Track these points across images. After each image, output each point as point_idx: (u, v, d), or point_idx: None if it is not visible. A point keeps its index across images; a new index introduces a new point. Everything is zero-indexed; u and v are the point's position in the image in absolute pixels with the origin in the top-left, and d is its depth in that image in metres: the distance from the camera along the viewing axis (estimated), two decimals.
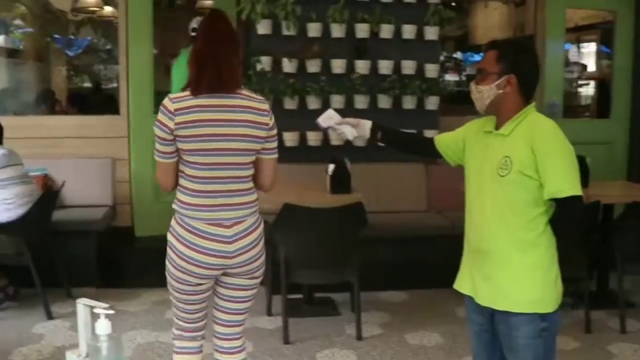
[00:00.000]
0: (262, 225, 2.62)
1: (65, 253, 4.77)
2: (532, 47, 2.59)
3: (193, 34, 6.37)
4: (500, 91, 2.41)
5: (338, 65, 5.30)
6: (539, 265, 2.38)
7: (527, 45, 2.57)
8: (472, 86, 2.50)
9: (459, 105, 8.49)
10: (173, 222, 2.54)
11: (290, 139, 5.30)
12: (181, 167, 2.51)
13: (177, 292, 2.58)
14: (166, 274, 2.59)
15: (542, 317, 2.37)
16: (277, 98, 5.24)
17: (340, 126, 2.84)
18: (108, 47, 9.03)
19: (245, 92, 2.51)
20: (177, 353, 2.72)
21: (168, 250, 2.54)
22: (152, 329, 4.27)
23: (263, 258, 2.63)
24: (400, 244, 4.98)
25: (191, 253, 2.47)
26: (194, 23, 5.76)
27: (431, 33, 5.42)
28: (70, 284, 4.77)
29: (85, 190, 5.41)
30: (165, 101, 2.45)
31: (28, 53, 8.25)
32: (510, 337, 2.41)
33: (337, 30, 5.26)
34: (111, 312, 1.66)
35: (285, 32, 5.20)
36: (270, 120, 2.53)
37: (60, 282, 4.72)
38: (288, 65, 5.23)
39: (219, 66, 2.43)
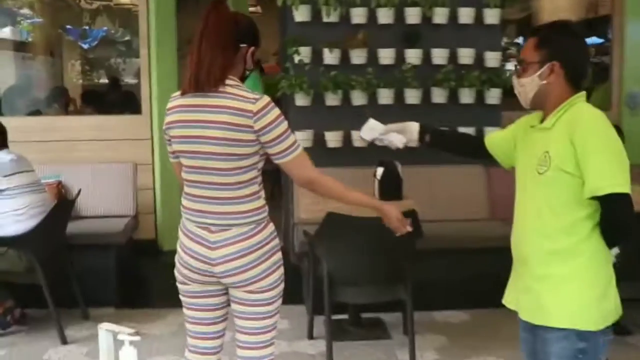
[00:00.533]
0: (260, 234, 2.62)
1: (81, 269, 4.83)
2: (577, 29, 2.55)
3: None
4: (544, 82, 2.41)
5: (386, 55, 5.29)
6: (578, 276, 2.35)
7: (571, 27, 2.52)
8: (514, 80, 2.51)
9: None
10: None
11: (333, 139, 5.30)
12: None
13: (180, 294, 2.78)
14: None
15: (580, 335, 2.33)
16: (317, 93, 5.25)
17: (386, 136, 2.86)
18: (127, 38, 9.15)
19: (232, 89, 2.54)
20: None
21: None
22: (180, 355, 4.29)
23: (260, 270, 2.61)
24: (459, 257, 4.93)
25: (183, 255, 2.67)
26: None
27: (491, 16, 5.38)
28: (87, 304, 4.84)
29: (103, 199, 5.51)
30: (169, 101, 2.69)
31: (38, 46, 8.40)
32: (545, 354, 2.40)
33: (385, 16, 5.26)
34: (137, 338, 1.66)
35: (326, 19, 5.21)
36: (255, 122, 2.50)
37: (75, 302, 4.78)
38: (330, 56, 5.23)
39: (200, 62, 2.53)
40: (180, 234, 2.71)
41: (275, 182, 7.49)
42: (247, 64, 2.67)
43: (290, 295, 4.98)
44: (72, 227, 4.84)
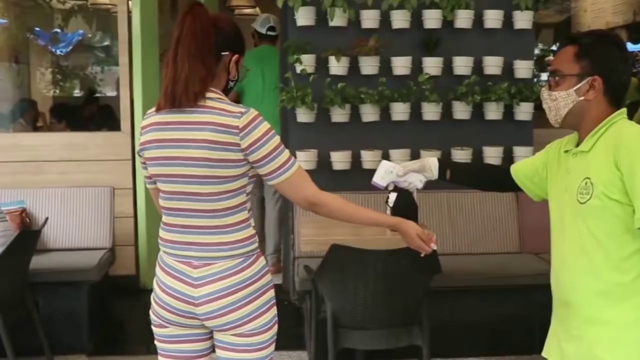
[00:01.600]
0: (248, 270, 2.62)
1: (47, 311, 4.86)
2: (620, 39, 2.58)
3: (271, 32, 6.66)
4: (582, 98, 2.43)
5: (401, 65, 5.32)
6: (635, 320, 2.35)
7: (613, 38, 2.55)
8: (544, 93, 2.52)
9: None
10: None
11: (340, 160, 5.32)
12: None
13: (156, 339, 2.76)
14: None
15: None
16: (322, 107, 5.28)
17: (404, 177, 2.92)
18: (106, 43, 9.21)
19: (214, 103, 2.56)
20: None
21: None
22: None
23: (248, 310, 2.61)
24: (483, 297, 4.95)
25: (160, 294, 2.65)
26: (270, 22, 5.99)
27: (523, 20, 5.42)
28: (54, 351, 4.84)
29: (74, 228, 5.54)
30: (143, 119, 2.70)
31: (1, 51, 8.45)
32: None
33: (400, 19, 5.29)
34: None
35: (332, 23, 5.24)
36: (241, 140, 2.51)
37: (40, 349, 4.77)
38: (336, 66, 5.26)
39: (176, 74, 2.53)
40: (157, 269, 2.69)
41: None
42: (232, 74, 2.68)
43: (290, 340, 5.09)
44: (37, 261, 4.85)
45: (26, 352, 4.62)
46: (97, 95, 8.78)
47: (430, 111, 5.36)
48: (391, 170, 2.97)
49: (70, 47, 8.99)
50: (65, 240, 5.49)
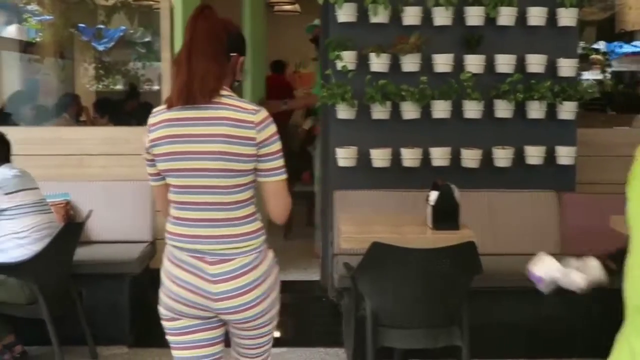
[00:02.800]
0: (264, 264, 2.76)
1: (90, 302, 4.89)
2: None
3: None
4: None
5: (442, 62, 5.30)
6: None
7: None
8: None
9: (601, 112, 8.31)
10: (163, 255, 2.81)
11: (380, 157, 5.30)
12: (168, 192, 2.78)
13: (167, 332, 2.84)
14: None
15: None
16: (362, 104, 5.26)
17: (566, 275, 2.80)
18: (147, 39, 9.27)
19: (228, 100, 2.67)
20: None
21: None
22: None
23: (265, 307, 2.77)
24: (523, 298, 4.85)
25: (174, 288, 2.71)
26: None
27: (567, 17, 5.36)
28: (96, 341, 4.88)
29: (117, 221, 5.55)
30: (150, 116, 2.77)
31: (47, 47, 8.54)
32: None
33: (442, 16, 5.27)
34: None
35: (373, 20, 5.24)
36: (257, 134, 2.64)
37: (83, 339, 4.82)
38: (377, 62, 5.25)
39: (190, 74, 2.63)
40: (166, 263, 2.76)
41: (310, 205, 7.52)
42: (237, 75, 2.82)
43: (328, 337, 5.08)
44: (80, 253, 4.87)
45: (69, 342, 4.67)
46: (139, 90, 8.82)
47: (472, 109, 5.33)
48: (549, 264, 2.85)
49: (112, 43, 9.05)
50: (107, 233, 5.50)
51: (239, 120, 2.62)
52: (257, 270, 2.71)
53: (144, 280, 5.43)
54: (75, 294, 4.77)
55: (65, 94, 8.13)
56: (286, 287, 5.86)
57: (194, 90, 2.61)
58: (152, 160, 2.74)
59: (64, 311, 4.63)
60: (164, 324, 2.81)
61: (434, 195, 4.38)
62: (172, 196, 2.73)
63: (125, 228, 5.55)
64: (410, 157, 5.33)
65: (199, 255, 2.67)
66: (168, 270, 2.74)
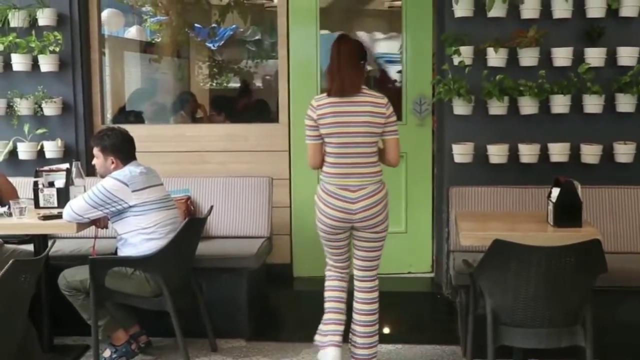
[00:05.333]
0: (383, 191, 4.31)
1: (210, 296, 4.95)
2: None
3: None
4: None
5: (562, 55, 5.22)
6: None
7: None
8: None
9: None
10: (318, 188, 4.37)
11: (497, 153, 5.24)
12: (325, 148, 4.32)
13: (322, 238, 4.42)
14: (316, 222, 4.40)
15: None
16: (479, 100, 5.22)
17: None
18: (257, 37, 9.35)
19: (366, 91, 4.29)
20: (326, 288, 4.52)
21: (315, 207, 4.37)
22: None
23: (383, 216, 4.31)
24: None
25: (327, 209, 4.29)
26: None
27: None
28: (216, 334, 4.94)
29: (235, 217, 5.62)
30: (312, 100, 4.37)
31: (165, 47, 8.73)
32: None
33: (561, 9, 5.19)
34: None
35: (490, 14, 5.18)
36: (387, 110, 4.26)
37: (203, 332, 4.89)
38: (494, 57, 5.21)
39: (342, 78, 4.25)
40: (322, 194, 4.30)
41: None
42: (364, 75, 4.41)
43: (444, 334, 5.02)
44: (200, 247, 4.92)
45: (190, 335, 4.72)
46: (252, 88, 8.89)
47: (592, 104, 5.23)
48: None
49: (223, 42, 9.15)
50: (226, 228, 5.57)
51: (376, 104, 4.25)
52: (380, 194, 4.28)
53: (261, 275, 5.47)
54: (197, 288, 4.84)
55: (182, 92, 8.28)
56: (399, 282, 5.87)
57: (346, 88, 4.24)
58: (317, 126, 4.26)
59: (186, 304, 4.69)
60: (321, 234, 4.38)
61: (555, 192, 4.27)
62: (330, 149, 4.27)
63: (243, 223, 5.61)
64: (528, 153, 5.25)
65: (345, 187, 4.23)
66: (324, 198, 4.28)
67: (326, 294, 4.50)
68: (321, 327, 4.49)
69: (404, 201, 6.26)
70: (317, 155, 4.32)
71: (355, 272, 4.43)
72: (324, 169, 4.30)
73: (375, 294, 4.43)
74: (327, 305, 4.48)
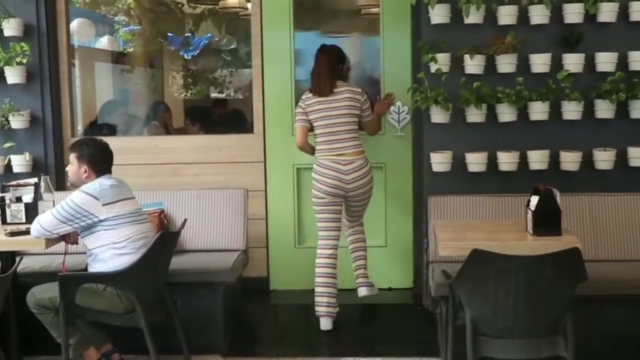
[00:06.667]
0: (368, 165, 5.39)
1: (184, 311, 4.89)
2: None
3: None
4: None
5: (540, 62, 5.24)
6: None
7: None
8: None
9: None
10: (314, 165, 5.38)
11: (476, 161, 5.26)
12: (315, 131, 5.38)
13: (319, 206, 5.39)
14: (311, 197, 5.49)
15: None
16: (457, 107, 5.23)
17: None
18: (232, 46, 9.34)
19: (345, 86, 5.38)
20: (318, 265, 5.44)
21: (313, 182, 5.38)
22: None
23: (370, 185, 5.44)
24: (632, 306, 4.74)
25: (324, 178, 5.30)
26: None
27: None
28: (191, 350, 4.89)
29: (210, 230, 5.61)
30: (302, 97, 5.46)
31: (137, 57, 8.69)
32: None
33: (539, 15, 5.21)
34: None
35: (467, 20, 5.18)
36: (362, 97, 5.41)
37: (178, 348, 4.82)
38: (472, 64, 5.22)
39: (319, 82, 5.37)
40: (318, 168, 5.32)
41: None
42: (345, 75, 5.53)
43: (424, 346, 5.02)
44: (174, 261, 4.86)
45: (165, 351, 4.67)
46: (226, 97, 8.88)
47: (571, 110, 5.25)
48: None
49: (198, 51, 9.13)
50: (200, 242, 5.56)
51: (353, 92, 5.38)
52: (367, 167, 5.37)
53: (237, 289, 5.45)
54: (171, 303, 4.80)
55: (155, 102, 8.25)
56: (379, 295, 5.85)
57: (323, 91, 5.35)
58: (305, 113, 5.36)
59: (160, 320, 4.66)
60: (315, 200, 5.39)
61: (534, 200, 4.29)
62: (319, 131, 5.35)
63: (218, 237, 5.60)
64: (507, 160, 5.27)
65: (337, 160, 5.28)
66: (320, 171, 5.31)
67: (318, 269, 5.41)
68: (317, 299, 5.38)
69: (383, 214, 6.26)
70: (304, 135, 5.39)
71: (346, 223, 5.63)
72: (317, 147, 5.36)
73: (363, 228, 5.73)
74: (318, 280, 5.40)
